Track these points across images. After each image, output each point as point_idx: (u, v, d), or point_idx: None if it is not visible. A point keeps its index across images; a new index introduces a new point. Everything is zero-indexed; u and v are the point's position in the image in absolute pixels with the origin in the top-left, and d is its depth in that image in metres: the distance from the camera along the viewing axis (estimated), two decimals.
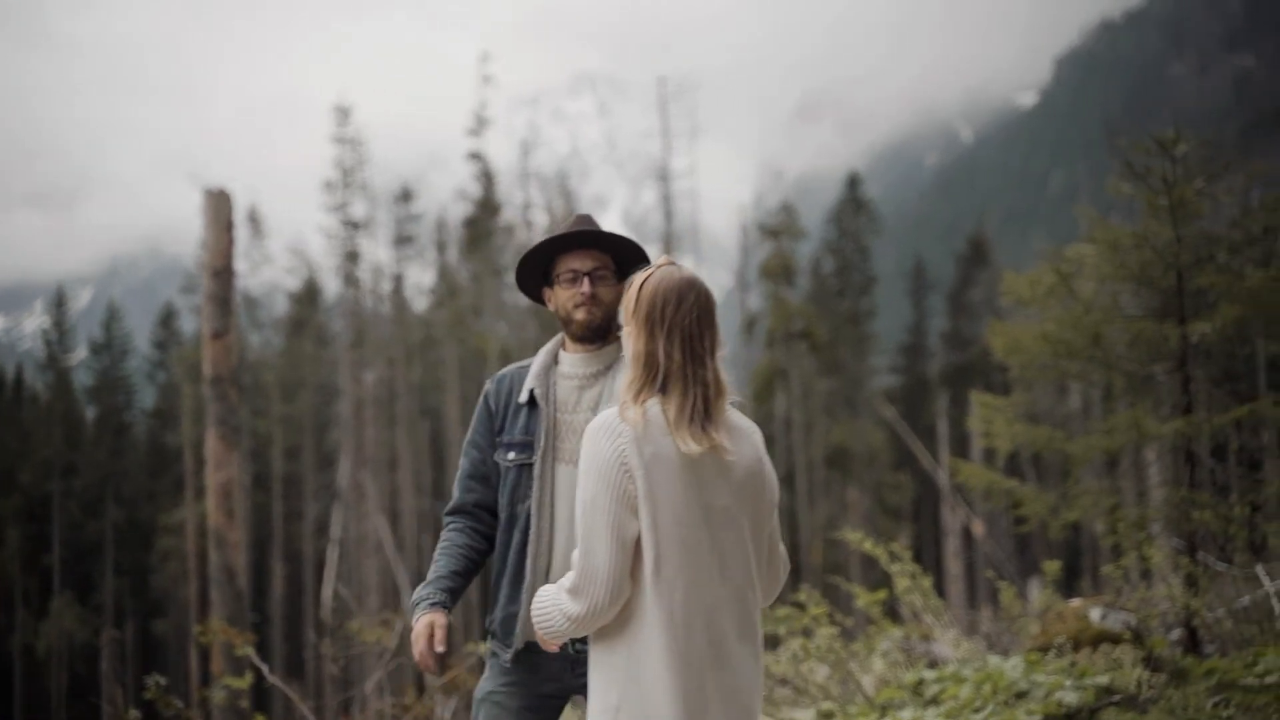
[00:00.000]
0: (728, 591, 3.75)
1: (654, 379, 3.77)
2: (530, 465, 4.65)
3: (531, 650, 4.55)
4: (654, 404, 3.76)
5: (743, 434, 3.84)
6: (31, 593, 57.22)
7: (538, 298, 4.92)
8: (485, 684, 4.74)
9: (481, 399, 4.93)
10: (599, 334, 4.71)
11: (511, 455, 4.71)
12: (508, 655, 4.63)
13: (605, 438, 3.76)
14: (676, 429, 3.70)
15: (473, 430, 4.94)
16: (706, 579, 3.72)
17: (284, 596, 53.82)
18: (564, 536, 4.51)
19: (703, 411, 3.72)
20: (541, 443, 4.63)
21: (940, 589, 51.23)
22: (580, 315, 4.66)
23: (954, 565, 42.52)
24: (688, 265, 3.96)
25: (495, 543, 4.74)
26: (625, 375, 3.89)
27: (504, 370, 4.94)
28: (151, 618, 57.58)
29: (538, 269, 4.84)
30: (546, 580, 4.47)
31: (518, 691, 4.64)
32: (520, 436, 4.71)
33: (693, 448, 3.67)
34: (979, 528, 42.95)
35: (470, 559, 4.74)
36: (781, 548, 4.01)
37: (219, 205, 16.50)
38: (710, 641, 3.71)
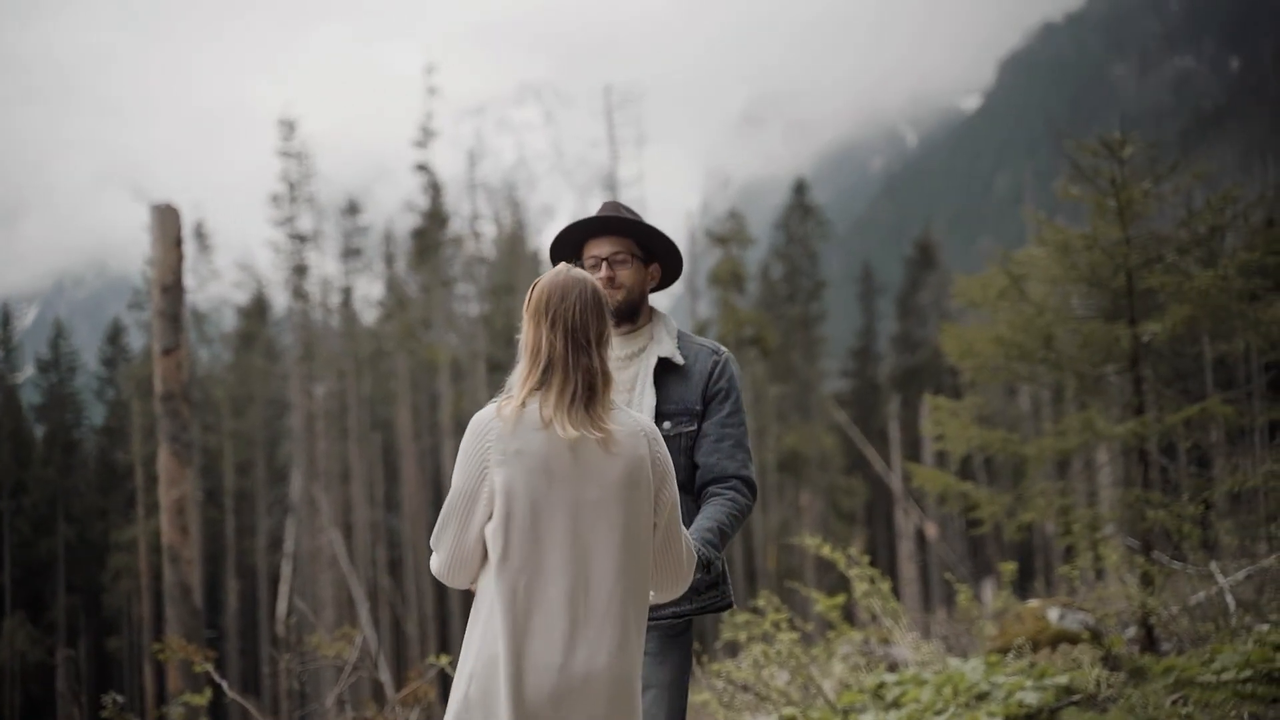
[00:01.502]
0: (589, 581, 3.86)
1: (538, 367, 3.91)
2: None
3: None
4: (534, 401, 3.91)
5: (627, 431, 3.92)
6: None
7: None
8: None
9: None
10: (624, 316, 4.93)
11: None
12: None
13: (474, 434, 3.96)
14: (556, 415, 3.85)
15: None
16: (561, 570, 3.85)
17: (239, 612, 53.54)
18: None
19: (584, 399, 3.86)
20: None
21: (895, 592, 51.39)
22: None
23: (908, 568, 42.63)
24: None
25: None
26: (518, 366, 4.00)
27: None
28: (105, 635, 57.15)
29: (570, 257, 4.99)
30: None
31: None
32: None
33: (570, 433, 3.82)
34: (932, 530, 43.15)
35: None
36: (685, 544, 4.08)
37: (166, 220, 16.41)
38: (564, 629, 3.83)
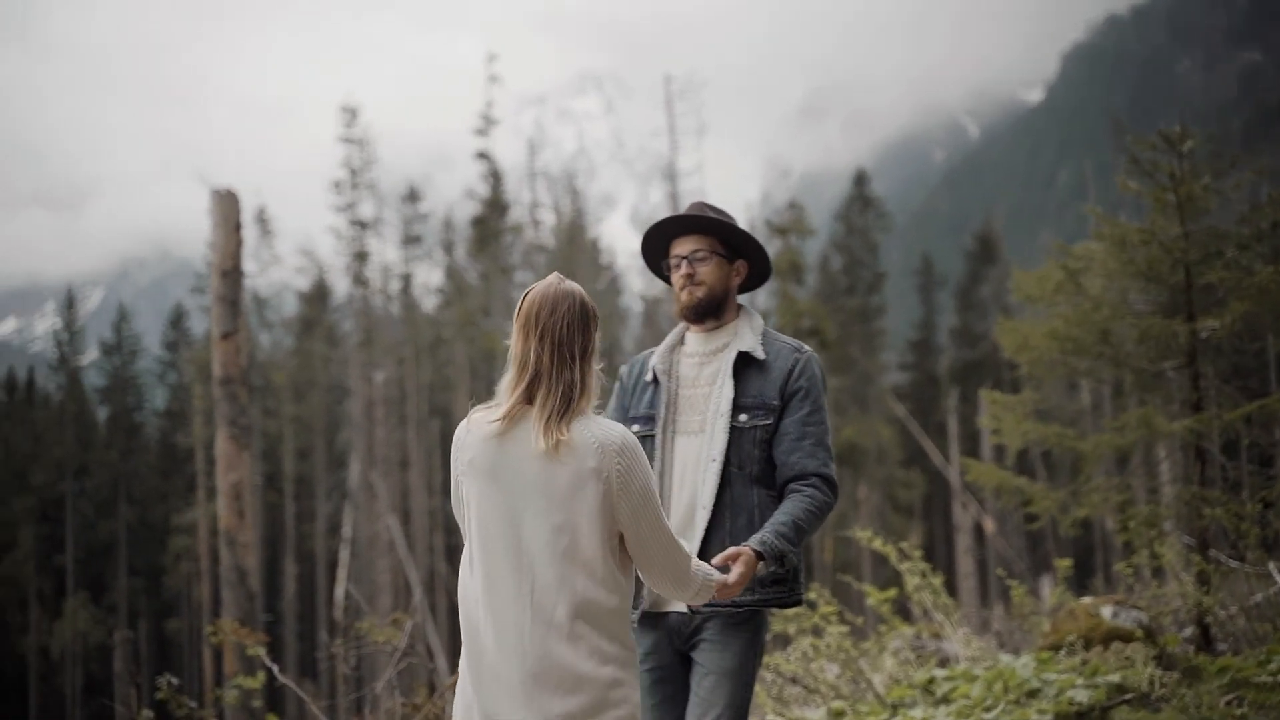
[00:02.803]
0: (534, 586, 3.99)
1: (524, 378, 4.03)
2: (652, 437, 5.00)
3: (653, 613, 4.94)
4: (480, 411, 4.14)
5: (580, 442, 4.00)
6: (45, 593, 57.31)
7: (669, 281, 5.25)
8: None
9: (617, 381, 5.29)
10: (703, 312, 5.08)
11: (636, 428, 5.01)
12: (634, 618, 4.94)
13: (453, 446, 4.21)
14: (534, 426, 3.99)
15: (609, 409, 5.25)
16: (510, 575, 4.01)
17: (296, 596, 53.85)
18: (681, 503, 4.92)
19: (560, 412, 3.98)
20: (662, 416, 5.02)
21: (952, 587, 51.20)
22: (683, 296, 5.06)
23: (965, 563, 42.41)
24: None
25: None
26: (506, 375, 4.10)
27: (639, 354, 5.33)
28: (165, 618, 57.66)
29: (661, 257, 5.24)
30: None
31: (643, 650, 4.96)
32: (645, 411, 5.09)
33: (540, 444, 3.96)
34: (990, 525, 42.89)
35: None
36: (666, 550, 4.13)
37: (226, 206, 16.50)
38: (514, 634, 3.98)
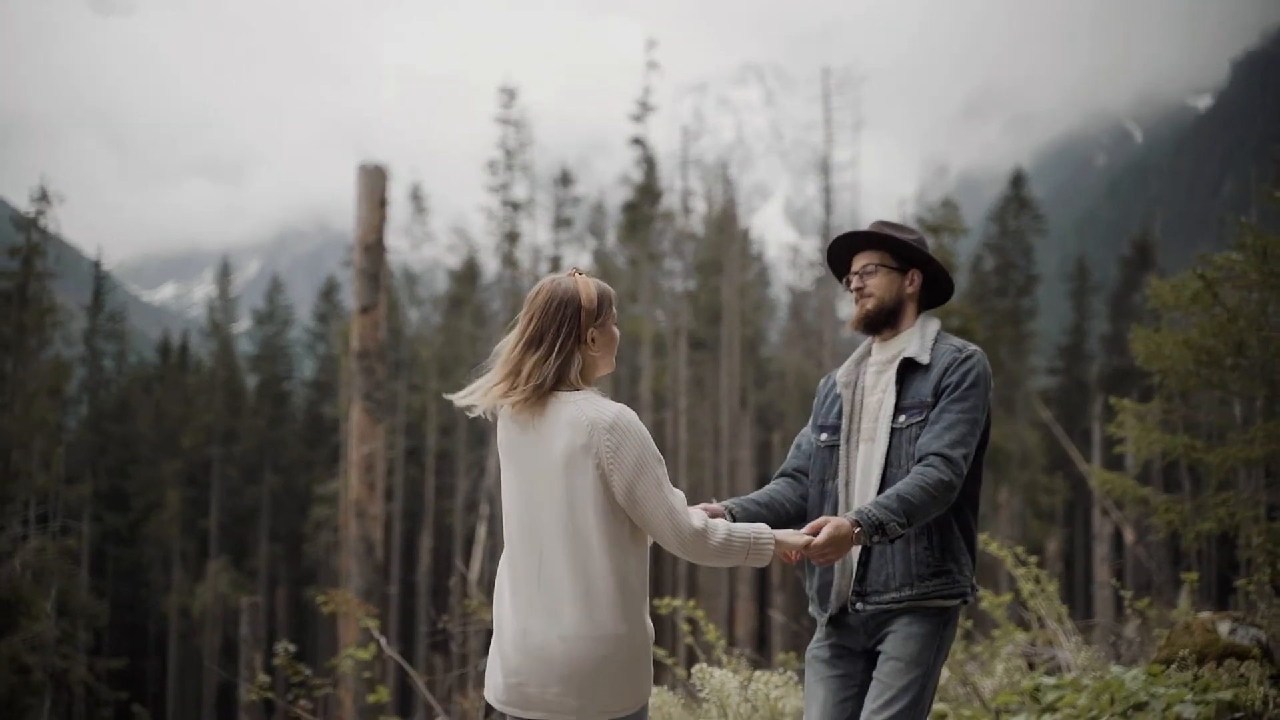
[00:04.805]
0: (542, 555, 4.28)
1: (515, 370, 4.32)
2: (837, 446, 5.22)
3: (844, 612, 5.12)
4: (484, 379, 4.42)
5: (569, 419, 4.26)
6: (189, 555, 58.46)
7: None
8: (811, 645, 5.31)
9: (818, 390, 5.53)
10: (874, 323, 5.29)
11: (824, 437, 5.30)
12: (824, 618, 5.19)
13: None
14: (513, 405, 4.33)
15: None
16: (524, 545, 4.33)
17: (431, 570, 54.38)
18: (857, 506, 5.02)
19: (524, 387, 4.27)
20: (845, 426, 5.22)
21: (1088, 595, 50.44)
22: (856, 310, 5.28)
23: (1102, 571, 41.81)
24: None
25: (806, 498, 5.33)
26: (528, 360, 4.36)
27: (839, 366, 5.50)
28: (304, 585, 58.53)
29: (845, 272, 5.43)
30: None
31: (832, 647, 5.20)
32: (832, 420, 5.30)
33: (522, 419, 4.31)
34: (1130, 534, 42.25)
35: (773, 496, 5.29)
36: (667, 513, 4.28)
37: (372, 181, 16.72)
38: (526, 601, 4.29)
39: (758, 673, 7.85)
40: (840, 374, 5.35)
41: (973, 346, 5.15)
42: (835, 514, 5.07)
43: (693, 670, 7.55)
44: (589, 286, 4.44)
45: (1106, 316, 65.50)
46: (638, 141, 55.68)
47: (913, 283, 5.29)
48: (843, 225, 55.06)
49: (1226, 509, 9.70)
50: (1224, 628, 9.04)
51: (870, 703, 4.95)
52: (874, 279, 5.23)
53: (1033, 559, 10.41)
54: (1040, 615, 10.77)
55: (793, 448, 5.47)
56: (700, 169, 58.24)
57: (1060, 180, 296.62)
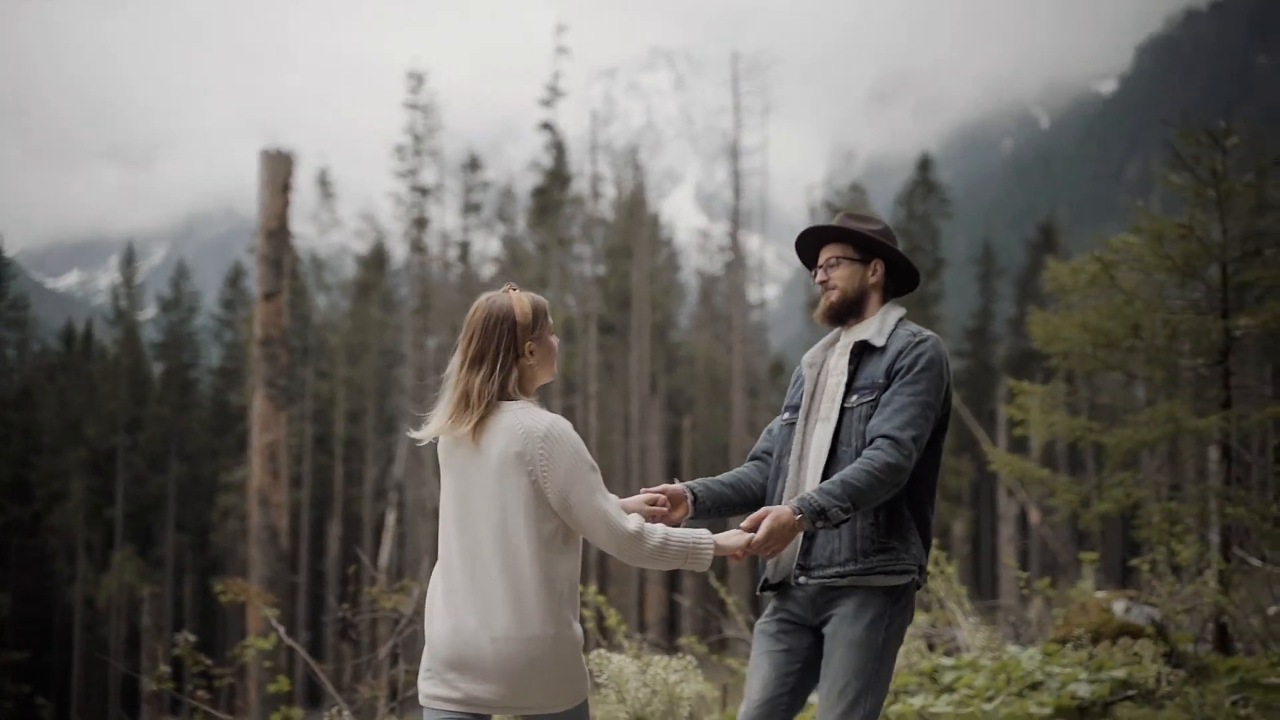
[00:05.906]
0: (476, 558, 4.44)
1: (465, 394, 4.47)
2: (795, 424, 5.32)
3: (783, 583, 5.20)
4: (440, 406, 4.56)
5: (503, 428, 4.43)
6: (94, 544, 57.82)
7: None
8: (759, 620, 5.37)
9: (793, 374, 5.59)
10: (840, 314, 5.37)
11: (786, 415, 5.42)
12: (767, 589, 5.29)
13: None
14: (451, 420, 4.49)
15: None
16: (460, 550, 4.48)
17: (339, 558, 54.15)
18: (806, 484, 5.13)
19: (478, 409, 4.43)
20: (805, 405, 5.31)
21: (994, 577, 50.93)
22: (822, 302, 5.37)
23: (1008, 552, 42.23)
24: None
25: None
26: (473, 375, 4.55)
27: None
28: (211, 574, 58.08)
29: (814, 264, 5.51)
30: None
31: (779, 621, 5.22)
32: (796, 400, 5.39)
33: (459, 431, 4.45)
34: (1036, 515, 42.69)
35: (739, 478, 5.41)
36: (602, 517, 4.46)
37: (275, 166, 16.56)
38: (460, 601, 4.45)
39: (656, 657, 7.85)
40: (808, 356, 5.47)
41: (928, 332, 5.22)
42: (783, 489, 5.18)
43: (590, 656, 7.53)
44: (523, 301, 4.59)
45: (1013, 300, 66.15)
46: (547, 126, 55.62)
47: (875, 273, 5.36)
48: (752, 210, 55.23)
49: (1123, 489, 9.80)
50: (1119, 607, 9.16)
51: (824, 699, 5.00)
52: (837, 271, 5.33)
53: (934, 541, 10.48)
54: (940, 596, 10.86)
55: (764, 432, 5.57)
56: (610, 154, 58.23)
57: (968, 165, 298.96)
